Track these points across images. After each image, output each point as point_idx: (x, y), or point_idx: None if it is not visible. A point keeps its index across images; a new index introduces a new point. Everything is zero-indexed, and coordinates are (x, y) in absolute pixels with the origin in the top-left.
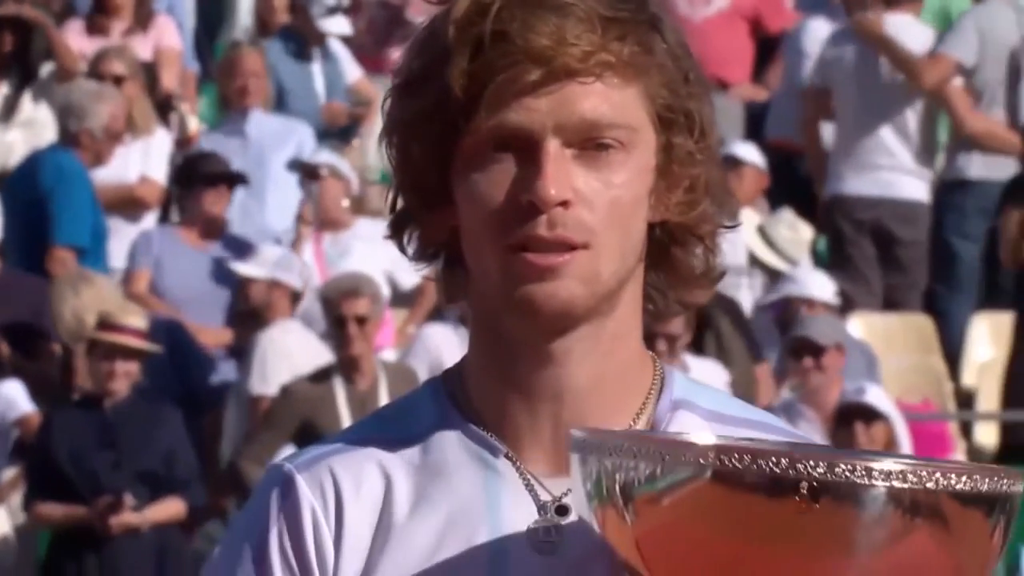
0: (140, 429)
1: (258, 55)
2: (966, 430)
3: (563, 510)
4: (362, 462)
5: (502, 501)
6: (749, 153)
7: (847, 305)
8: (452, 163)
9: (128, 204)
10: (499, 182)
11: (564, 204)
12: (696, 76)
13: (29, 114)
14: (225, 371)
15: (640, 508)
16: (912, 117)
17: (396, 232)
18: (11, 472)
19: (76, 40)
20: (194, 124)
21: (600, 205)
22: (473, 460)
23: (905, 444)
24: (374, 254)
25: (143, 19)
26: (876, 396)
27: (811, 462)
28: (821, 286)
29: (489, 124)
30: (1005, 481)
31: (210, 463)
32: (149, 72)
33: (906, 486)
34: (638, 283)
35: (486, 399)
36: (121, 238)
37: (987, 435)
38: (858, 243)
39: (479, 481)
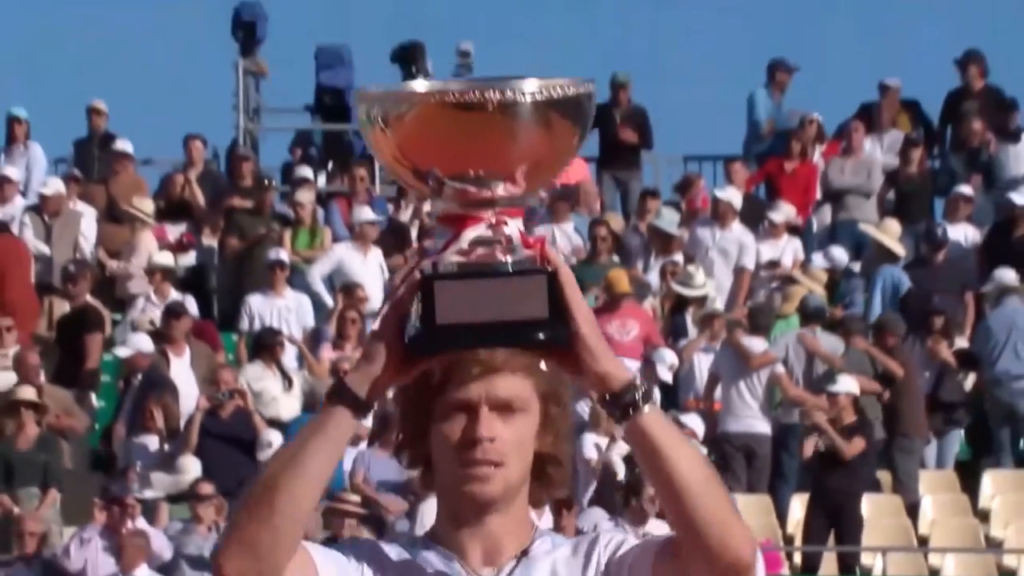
0: None
1: None
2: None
3: None
4: (387, 552)
5: None
6: (691, 421)
7: (728, 489)
8: (430, 417)
9: (352, 437)
10: (456, 428)
11: (491, 440)
12: (565, 381)
13: (295, 391)
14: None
15: (393, 124)
16: (759, 387)
17: (397, 452)
18: None
19: (324, 352)
20: None
21: (510, 442)
22: (441, 562)
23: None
24: None
25: (363, 341)
26: None
27: (494, 89)
28: None
29: (451, 396)
30: (582, 86)
31: None
32: None
33: (535, 98)
34: (527, 484)
35: (448, 535)
36: (349, 456)
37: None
38: (735, 457)
39: (444, 571)
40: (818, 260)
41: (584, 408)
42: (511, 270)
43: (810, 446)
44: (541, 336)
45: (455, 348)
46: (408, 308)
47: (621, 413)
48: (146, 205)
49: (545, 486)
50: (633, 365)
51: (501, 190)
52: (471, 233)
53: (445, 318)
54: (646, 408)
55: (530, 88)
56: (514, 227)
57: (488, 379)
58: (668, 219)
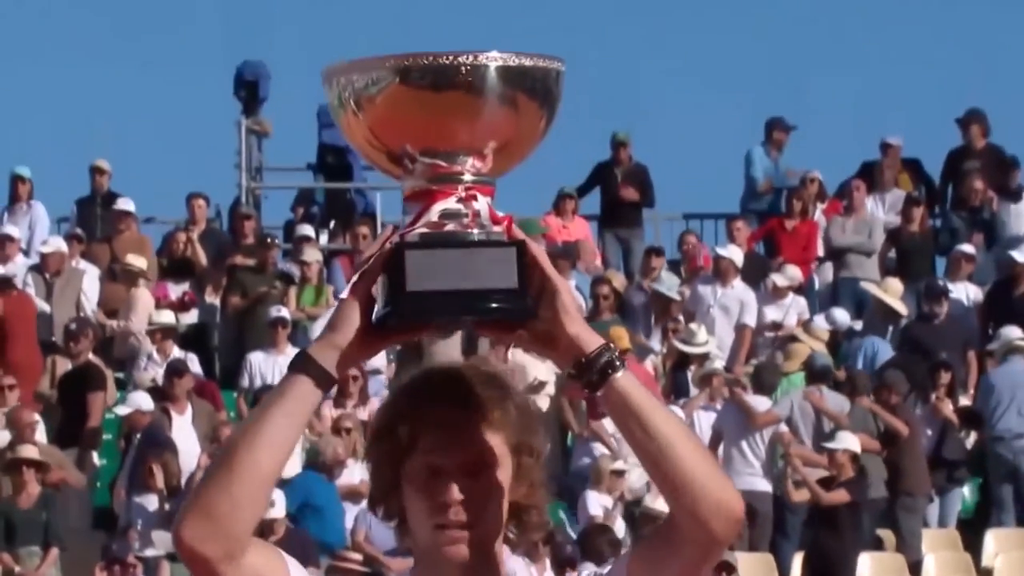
0: None
1: None
2: None
3: None
4: None
5: None
6: None
7: (729, 546)
8: (401, 475)
9: (354, 495)
10: (426, 492)
11: (462, 503)
12: (534, 423)
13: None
14: None
15: (364, 106)
16: (761, 445)
17: (371, 506)
18: None
19: (325, 410)
20: None
21: (482, 501)
22: None
23: None
24: None
25: (364, 399)
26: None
27: (465, 56)
28: None
29: (421, 460)
30: (549, 61)
31: None
32: (366, 427)
33: (497, 64)
34: (501, 535)
35: None
36: (350, 514)
37: None
38: None
39: None
40: (820, 321)
41: (586, 463)
42: (481, 241)
43: (795, 494)
44: (510, 305)
45: (425, 317)
46: (376, 277)
47: (599, 375)
48: (139, 261)
49: (522, 531)
50: None
51: (469, 165)
52: (440, 206)
53: (415, 286)
54: (622, 371)
55: (496, 56)
56: (483, 203)
57: (457, 442)
58: (668, 283)
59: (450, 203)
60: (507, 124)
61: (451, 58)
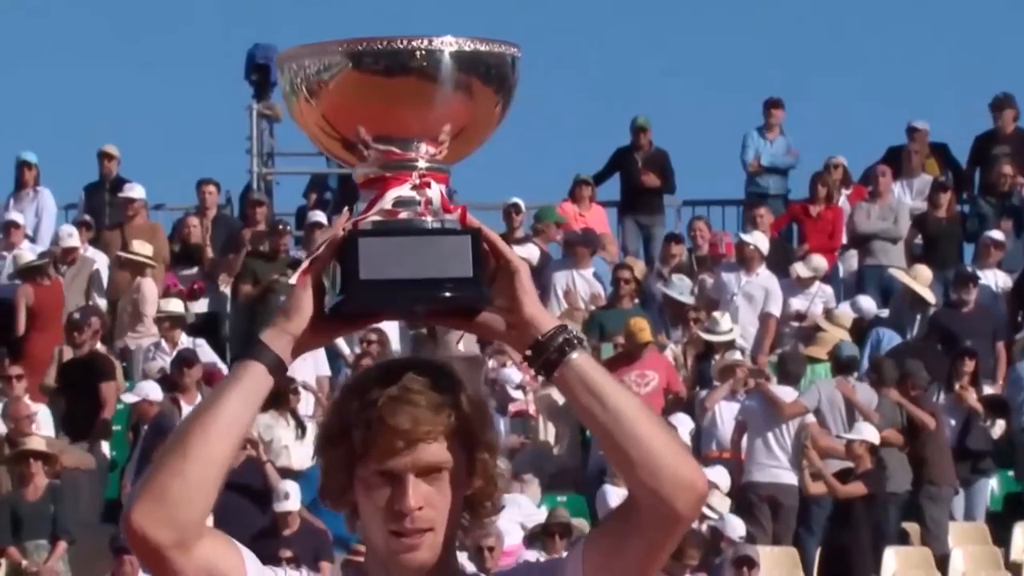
0: None
1: None
2: None
3: None
4: None
5: None
6: (714, 473)
7: (752, 540)
8: (354, 477)
9: None
10: (381, 497)
11: (419, 508)
12: (487, 417)
13: (309, 438)
14: None
15: (317, 93)
16: (788, 437)
17: (321, 497)
18: None
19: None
20: None
21: (439, 505)
22: None
23: None
24: None
25: None
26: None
27: (419, 41)
28: (735, 527)
29: (375, 466)
30: (503, 47)
31: None
32: None
33: (451, 49)
34: (457, 530)
35: None
36: None
37: None
38: (760, 507)
39: None
40: (845, 308)
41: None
42: (435, 229)
43: (812, 486)
44: (464, 293)
45: (378, 306)
46: (327, 264)
47: (557, 354)
48: (146, 249)
49: (475, 519)
50: None
51: (424, 151)
52: (394, 193)
53: (368, 274)
54: (579, 350)
55: (451, 41)
56: (437, 190)
57: (411, 448)
58: (680, 287)
59: (404, 190)
60: (462, 110)
61: (405, 42)
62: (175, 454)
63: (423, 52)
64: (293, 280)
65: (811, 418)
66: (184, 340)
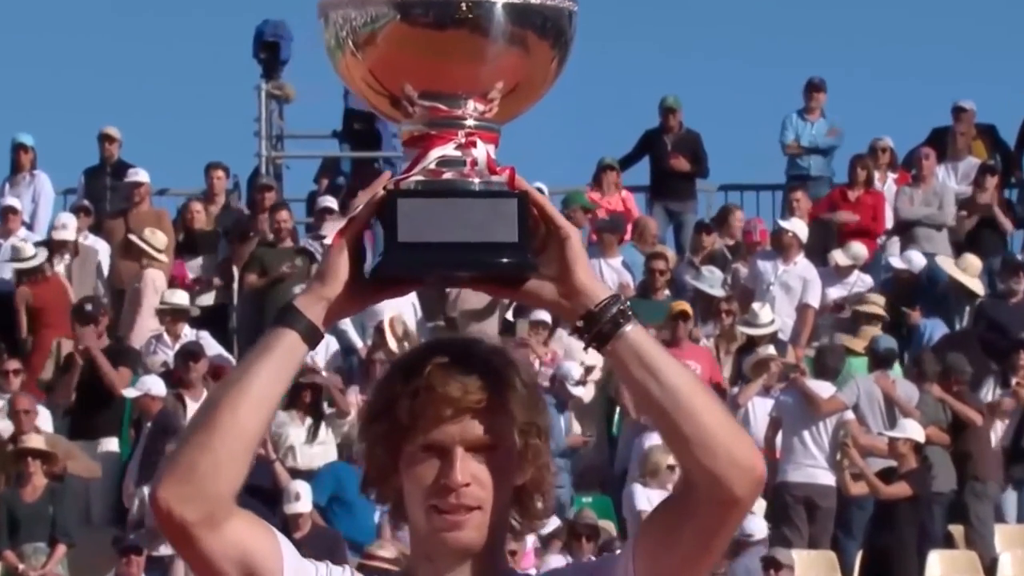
0: None
1: None
2: None
3: None
4: None
5: None
6: None
7: (787, 543)
8: (399, 458)
9: None
10: (427, 472)
11: (466, 485)
12: (541, 403)
13: (322, 437)
14: None
15: (364, 47)
16: (825, 435)
17: (363, 489)
18: None
19: (351, 396)
20: None
21: (487, 483)
22: None
23: None
24: None
25: None
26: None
27: None
28: (757, 526)
29: (421, 440)
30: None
31: None
32: None
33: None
34: (506, 521)
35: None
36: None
37: None
38: (795, 509)
39: None
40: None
41: (634, 453)
42: (480, 191)
43: (853, 487)
44: (510, 260)
45: (417, 271)
46: (364, 225)
47: (611, 325)
48: (157, 239)
49: (526, 517)
50: None
51: (472, 109)
52: (438, 152)
53: (408, 236)
54: (633, 322)
55: None
56: (483, 150)
57: (461, 419)
58: (710, 280)
59: (448, 149)
60: (515, 66)
61: None
62: (203, 429)
63: (474, 3)
64: (329, 241)
65: (850, 415)
66: (187, 333)
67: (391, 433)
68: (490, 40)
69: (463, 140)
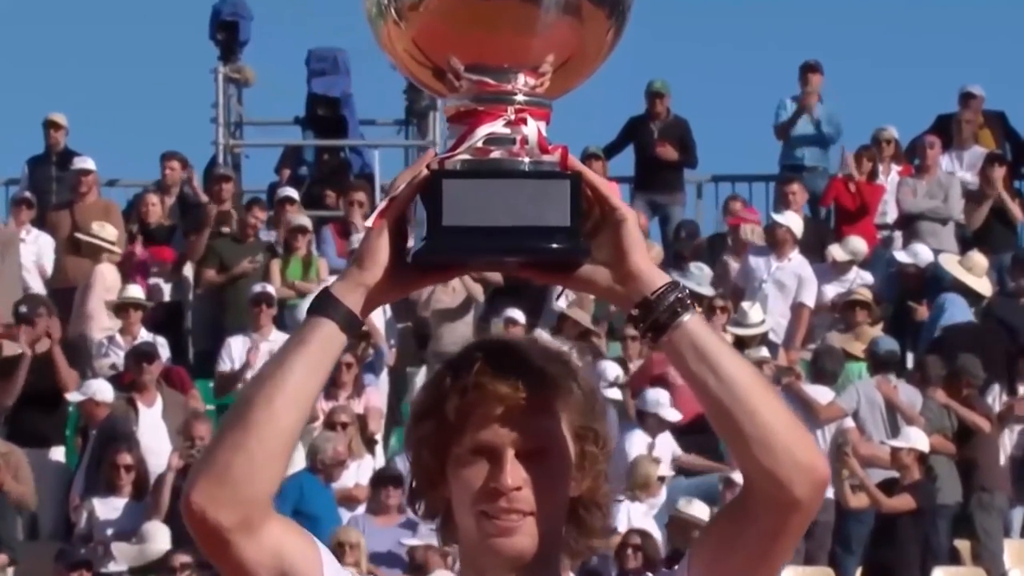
0: None
1: None
2: None
3: None
4: None
5: None
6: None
7: None
8: (447, 461)
9: (349, 500)
10: (477, 476)
11: (518, 489)
12: (599, 407)
13: None
14: None
15: (407, 16)
16: (823, 443)
17: (411, 502)
18: None
19: (319, 402)
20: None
21: (541, 489)
22: None
23: None
24: None
25: (358, 390)
26: None
27: None
28: None
29: (470, 440)
30: None
31: None
32: (362, 421)
33: None
34: (560, 533)
35: None
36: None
37: None
38: None
39: None
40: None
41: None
42: (530, 171)
43: (852, 499)
44: (561, 245)
45: (462, 256)
46: (406, 206)
47: (669, 314)
48: (107, 232)
49: (583, 535)
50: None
51: (522, 83)
52: (486, 129)
53: (453, 219)
54: (692, 311)
55: None
56: (534, 127)
57: (513, 419)
58: (698, 276)
59: (497, 126)
60: (568, 37)
61: None
62: (237, 428)
63: None
64: (369, 223)
65: (850, 422)
66: (144, 335)
67: (438, 433)
68: (542, 9)
69: (512, 116)
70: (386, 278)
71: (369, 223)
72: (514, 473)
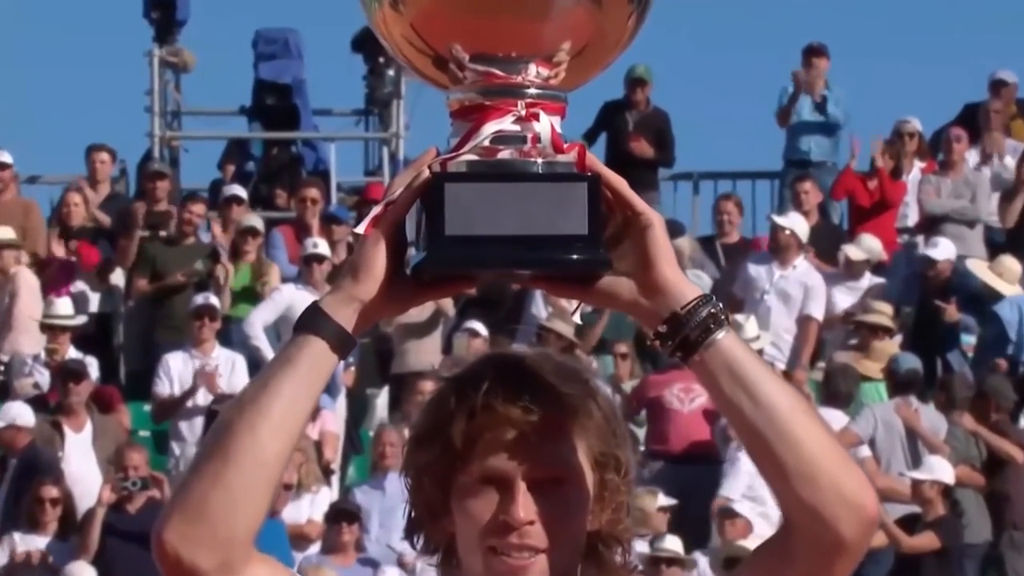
0: None
1: (396, 432)
2: None
3: None
4: None
5: None
6: (743, 508)
7: None
8: (451, 490)
9: (301, 538)
10: (485, 507)
11: (530, 523)
12: (621, 431)
13: None
14: None
15: None
16: None
17: (408, 535)
18: None
19: None
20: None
21: (556, 524)
22: None
23: None
24: None
25: (313, 414)
26: None
27: None
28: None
29: (478, 468)
30: None
31: None
32: (317, 448)
33: None
34: (576, 574)
35: None
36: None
37: None
38: None
39: None
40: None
41: None
42: (543, 173)
43: None
44: (579, 256)
45: (467, 267)
46: (404, 212)
47: (700, 331)
48: (8, 233)
49: (602, 573)
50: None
51: (534, 74)
52: (493, 126)
53: (457, 228)
54: (726, 328)
55: None
56: (547, 124)
57: (526, 445)
58: (697, 285)
59: (506, 123)
60: (585, 23)
61: None
62: (216, 458)
63: None
64: (361, 230)
65: (865, 451)
66: (73, 353)
67: (442, 460)
68: None
69: (523, 112)
70: (382, 292)
71: (360, 230)
72: (526, 505)
